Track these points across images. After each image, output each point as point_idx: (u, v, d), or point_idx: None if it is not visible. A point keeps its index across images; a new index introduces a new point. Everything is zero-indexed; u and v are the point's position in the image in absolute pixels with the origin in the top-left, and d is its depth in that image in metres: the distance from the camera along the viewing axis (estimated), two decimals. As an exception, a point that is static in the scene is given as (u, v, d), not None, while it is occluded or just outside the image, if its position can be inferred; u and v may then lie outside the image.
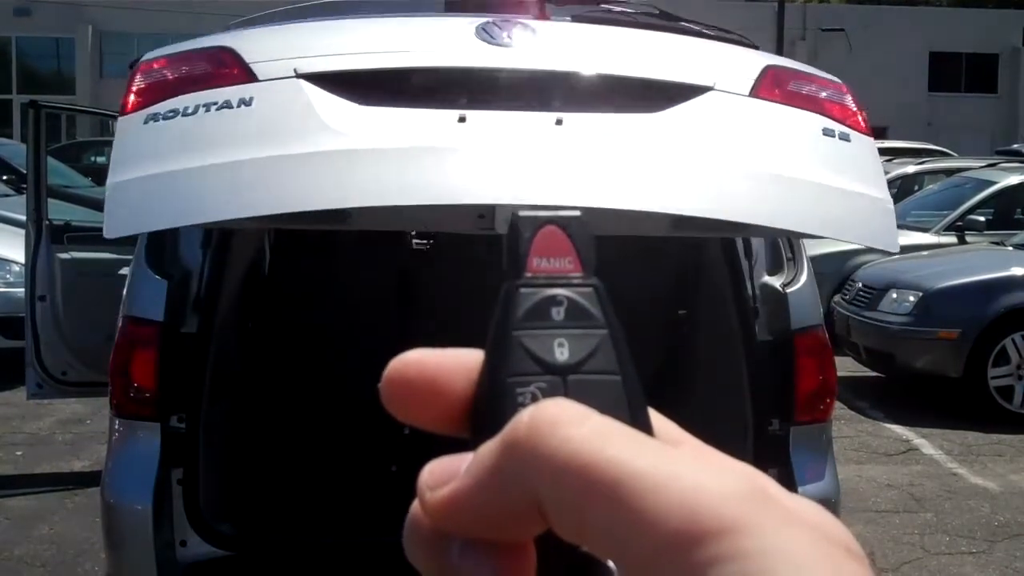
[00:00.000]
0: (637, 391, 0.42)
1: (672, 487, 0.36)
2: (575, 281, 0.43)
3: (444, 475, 0.40)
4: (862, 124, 3.10)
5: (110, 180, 2.63)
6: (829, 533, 0.37)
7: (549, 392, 0.41)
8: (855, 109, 3.11)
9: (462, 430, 0.42)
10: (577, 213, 0.44)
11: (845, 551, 0.37)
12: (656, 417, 0.42)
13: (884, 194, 2.97)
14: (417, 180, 2.66)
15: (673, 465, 0.37)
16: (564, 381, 0.41)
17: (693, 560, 0.35)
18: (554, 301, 0.42)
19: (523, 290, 0.42)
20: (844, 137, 3.01)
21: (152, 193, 2.64)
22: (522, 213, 0.43)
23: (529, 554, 0.40)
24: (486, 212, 3.12)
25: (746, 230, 3.28)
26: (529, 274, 0.42)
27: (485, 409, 0.41)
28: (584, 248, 0.43)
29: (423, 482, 0.40)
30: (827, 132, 3.00)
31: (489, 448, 0.39)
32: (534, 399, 0.40)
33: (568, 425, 0.38)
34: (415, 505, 0.41)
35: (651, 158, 2.81)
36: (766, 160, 2.87)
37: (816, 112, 3.04)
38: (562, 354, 0.41)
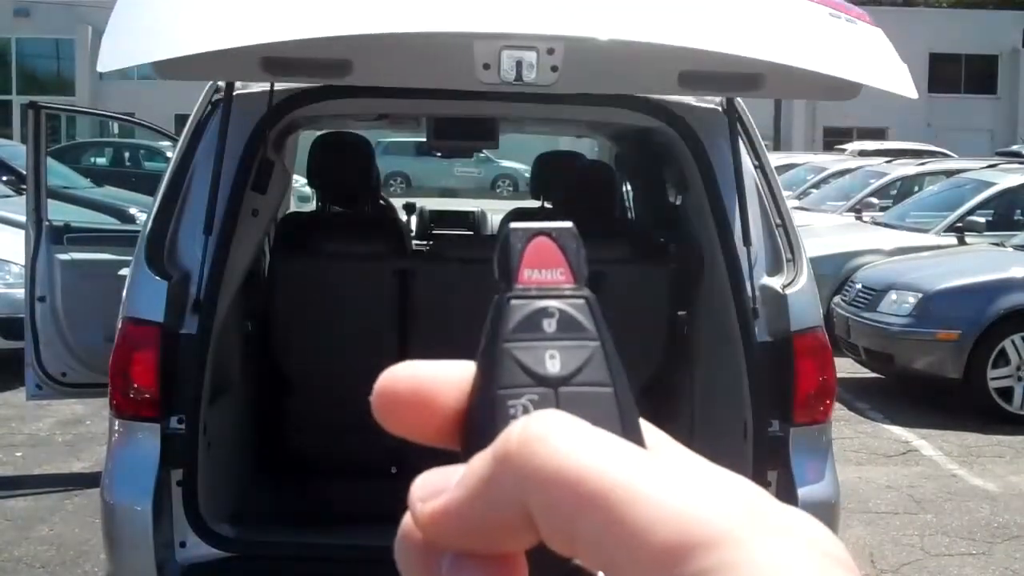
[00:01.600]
0: (629, 403, 0.42)
1: (663, 499, 0.36)
2: (566, 292, 0.42)
3: (435, 487, 0.40)
4: (868, 19, 3.11)
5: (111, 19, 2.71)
6: (821, 545, 0.37)
7: (541, 404, 0.41)
8: (860, 12, 3.13)
9: (453, 443, 0.42)
10: (569, 224, 0.43)
11: (835, 562, 0.37)
12: (648, 428, 0.42)
13: (894, 56, 2.96)
14: (412, 11, 2.69)
15: (664, 477, 0.37)
16: (556, 393, 0.41)
17: (683, 572, 0.35)
18: (545, 313, 0.42)
19: (514, 301, 0.42)
20: (851, 21, 3.01)
21: (147, 26, 2.68)
22: (513, 225, 0.43)
23: (520, 568, 0.39)
24: (491, 62, 3.09)
25: (761, 84, 3.16)
26: (520, 285, 0.42)
27: (476, 421, 0.41)
28: (575, 259, 0.43)
29: (414, 494, 0.40)
30: (834, 16, 2.99)
31: (481, 460, 0.39)
32: (525, 411, 0.40)
33: (559, 437, 0.38)
34: (406, 518, 0.41)
35: None
36: (779, 18, 2.83)
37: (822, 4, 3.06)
38: (553, 366, 0.41)
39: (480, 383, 0.42)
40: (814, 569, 0.35)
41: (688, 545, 0.35)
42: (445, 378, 0.42)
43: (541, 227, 0.43)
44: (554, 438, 0.38)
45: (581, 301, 0.42)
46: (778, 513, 0.37)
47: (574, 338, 0.42)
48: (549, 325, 0.42)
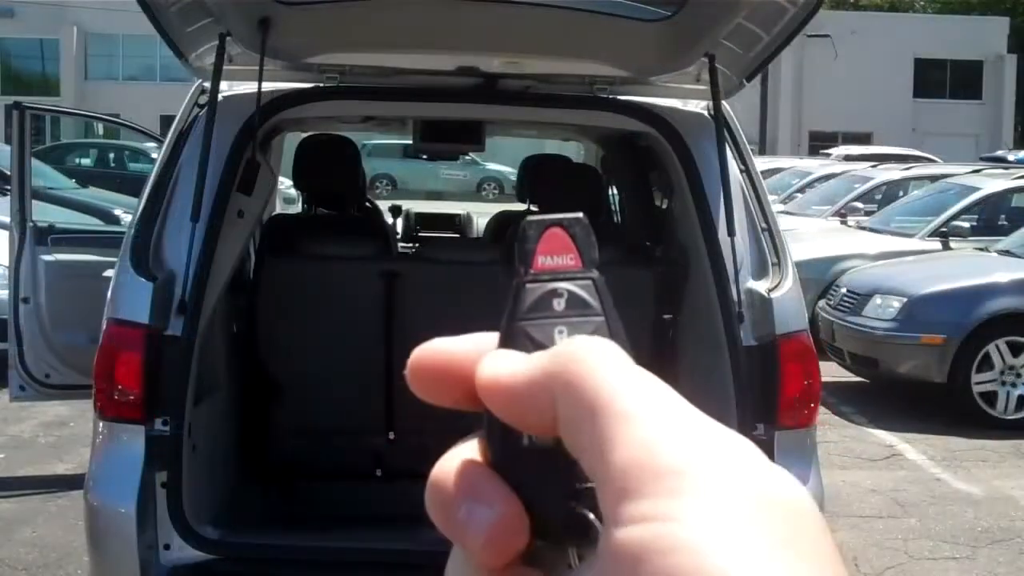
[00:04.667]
0: None
1: (645, 423, 0.41)
2: (576, 275, 0.48)
3: (505, 360, 0.46)
4: None
5: None
6: (773, 496, 0.40)
7: None
8: None
9: (480, 406, 0.47)
10: (579, 215, 0.49)
11: (787, 513, 0.40)
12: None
13: None
14: None
15: (657, 406, 0.42)
16: None
17: (643, 490, 0.40)
18: (555, 294, 0.47)
19: (529, 285, 0.47)
20: None
21: None
22: (529, 217, 0.48)
23: (522, 519, 0.44)
24: None
25: None
26: (535, 271, 0.47)
27: None
28: (584, 245, 0.48)
29: (482, 364, 0.46)
30: None
31: (539, 357, 0.45)
32: None
33: (595, 357, 0.44)
34: (437, 466, 0.47)
35: None
36: None
37: None
38: (561, 339, 0.46)
39: None
40: (746, 514, 0.39)
41: (652, 468, 0.40)
42: (470, 350, 0.47)
43: (554, 218, 0.48)
44: (591, 358, 0.44)
45: (588, 282, 0.48)
46: (735, 463, 0.41)
47: (581, 315, 0.47)
48: (559, 304, 0.47)
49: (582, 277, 0.47)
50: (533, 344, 0.46)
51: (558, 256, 0.48)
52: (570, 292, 0.47)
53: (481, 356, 0.47)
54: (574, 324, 0.46)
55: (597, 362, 0.44)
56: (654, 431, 0.41)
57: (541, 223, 0.48)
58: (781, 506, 0.40)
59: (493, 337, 0.48)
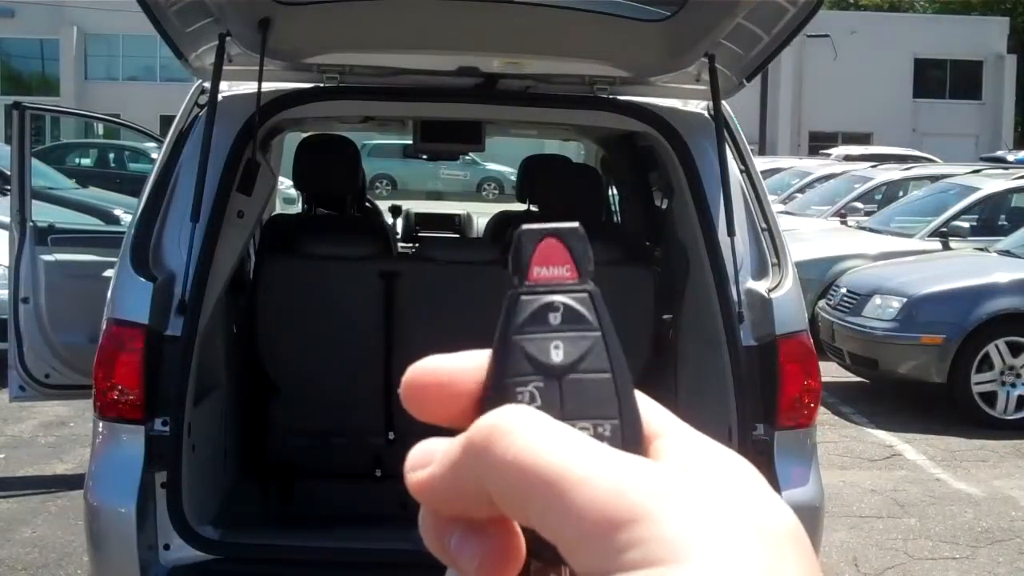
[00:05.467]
0: (627, 387, 0.46)
1: (596, 483, 0.41)
2: (571, 287, 0.46)
3: (422, 459, 0.45)
4: None
5: None
6: (756, 520, 0.41)
7: (545, 391, 0.45)
8: None
9: None
10: (575, 225, 0.47)
11: (770, 536, 0.41)
12: (648, 405, 0.47)
13: None
14: None
15: (601, 464, 0.42)
16: (559, 381, 0.45)
17: (610, 545, 0.40)
18: (551, 307, 0.46)
19: (524, 297, 0.46)
20: None
21: None
22: (525, 227, 0.47)
23: (518, 542, 0.45)
24: None
25: None
26: (530, 282, 0.46)
27: (489, 407, 0.45)
28: (581, 257, 0.47)
29: (407, 463, 0.45)
30: None
31: (455, 444, 0.44)
32: (532, 398, 0.45)
33: (516, 432, 0.43)
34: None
35: None
36: None
37: None
38: (557, 355, 0.45)
39: (493, 372, 0.46)
40: (729, 540, 0.40)
41: (614, 521, 0.40)
42: (465, 368, 0.47)
43: (549, 228, 0.47)
44: (512, 433, 0.43)
45: (584, 295, 0.46)
46: (715, 490, 0.42)
47: (577, 329, 0.46)
48: (554, 318, 0.46)
49: (578, 290, 0.46)
50: (529, 360, 0.45)
51: (554, 267, 0.46)
52: (566, 305, 0.46)
53: (477, 374, 0.46)
54: (570, 339, 0.46)
55: (526, 437, 0.43)
56: (604, 487, 0.41)
57: (536, 233, 0.47)
58: (760, 530, 0.41)
59: (487, 354, 0.47)
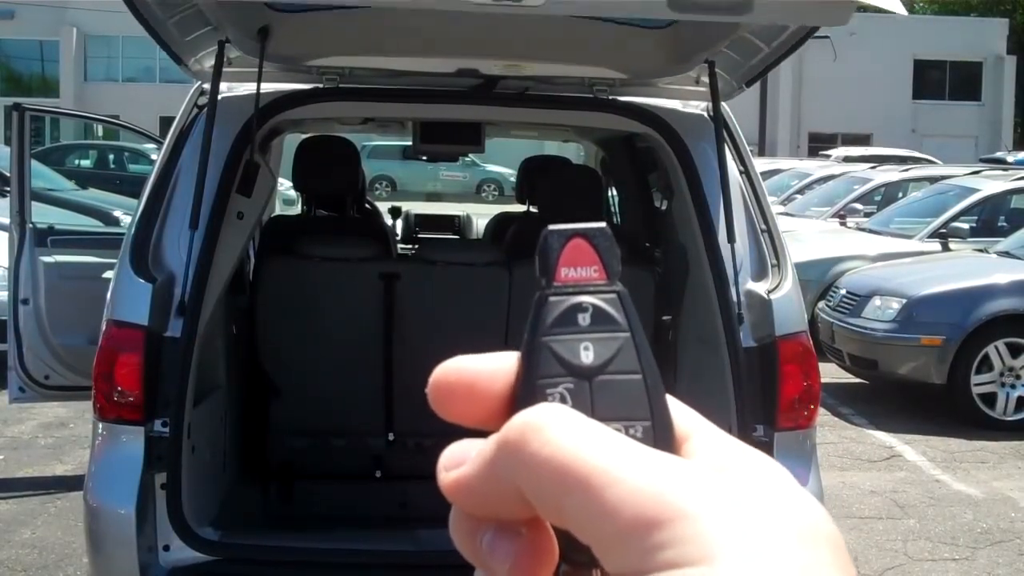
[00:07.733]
0: (657, 387, 0.46)
1: (633, 481, 0.41)
2: (600, 288, 0.47)
3: (456, 459, 0.45)
4: None
5: None
6: (794, 521, 0.41)
7: (576, 392, 0.45)
8: None
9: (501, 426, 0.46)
10: (602, 225, 0.47)
11: (808, 538, 0.41)
12: (677, 407, 0.47)
13: None
14: None
15: (637, 462, 0.42)
16: (590, 382, 0.45)
17: (645, 544, 0.40)
18: (580, 308, 0.46)
19: (552, 298, 0.46)
20: None
21: None
22: (551, 227, 0.47)
23: (550, 543, 0.44)
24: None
25: (751, 9, 3.17)
26: (558, 283, 0.46)
27: (520, 409, 0.45)
28: (608, 257, 0.47)
29: (440, 463, 0.45)
30: None
31: (489, 444, 0.44)
32: (562, 399, 0.45)
33: (552, 429, 0.43)
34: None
35: None
36: None
37: None
38: (587, 357, 0.45)
39: (523, 374, 0.46)
40: (766, 541, 0.40)
41: (651, 520, 0.40)
42: (493, 369, 0.47)
43: (577, 228, 0.47)
44: (547, 430, 0.43)
45: (613, 295, 0.47)
46: (750, 491, 0.42)
47: (606, 330, 0.46)
48: (583, 319, 0.46)
49: (607, 290, 0.46)
50: (559, 361, 0.45)
51: (582, 268, 0.46)
52: (595, 306, 0.46)
53: (505, 375, 0.46)
54: (600, 340, 0.45)
55: (560, 436, 0.42)
56: (639, 486, 0.41)
57: (564, 233, 0.47)
58: (797, 532, 0.41)
59: (515, 356, 0.46)
